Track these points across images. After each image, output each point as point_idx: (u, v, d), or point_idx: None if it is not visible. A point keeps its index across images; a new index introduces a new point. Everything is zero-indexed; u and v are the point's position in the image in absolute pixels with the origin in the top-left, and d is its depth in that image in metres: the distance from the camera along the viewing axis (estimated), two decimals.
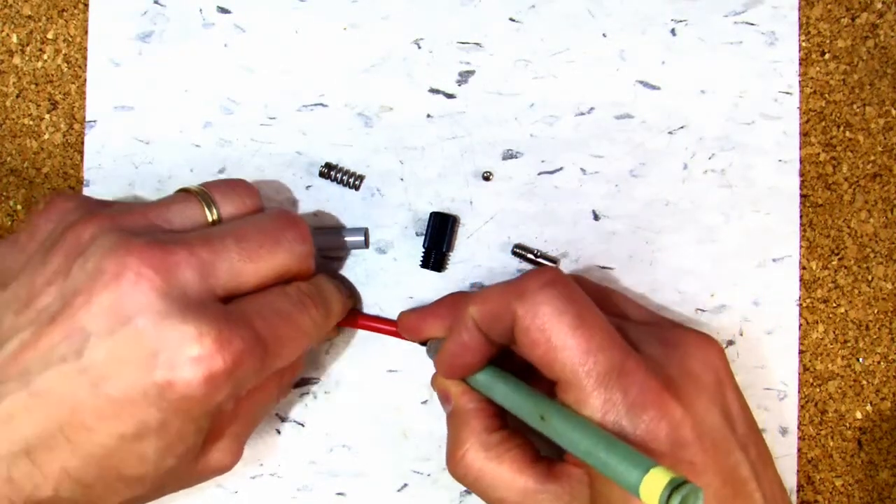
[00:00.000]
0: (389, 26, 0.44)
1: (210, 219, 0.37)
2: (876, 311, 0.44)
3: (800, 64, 0.44)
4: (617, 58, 0.44)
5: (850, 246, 0.44)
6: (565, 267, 0.44)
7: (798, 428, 0.44)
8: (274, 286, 0.37)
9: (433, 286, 0.44)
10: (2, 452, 0.32)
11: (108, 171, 0.44)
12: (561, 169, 0.44)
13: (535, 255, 0.43)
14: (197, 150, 0.44)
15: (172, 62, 0.44)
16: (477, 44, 0.44)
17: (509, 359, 0.39)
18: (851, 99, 0.44)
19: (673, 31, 0.44)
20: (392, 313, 0.44)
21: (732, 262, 0.44)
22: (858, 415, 0.44)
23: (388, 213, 0.44)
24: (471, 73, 0.44)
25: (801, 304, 0.44)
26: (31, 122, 0.45)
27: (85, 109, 0.44)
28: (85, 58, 0.45)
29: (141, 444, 0.33)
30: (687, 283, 0.44)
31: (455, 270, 0.44)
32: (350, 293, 0.43)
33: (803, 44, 0.44)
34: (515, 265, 0.44)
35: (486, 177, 0.44)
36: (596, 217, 0.44)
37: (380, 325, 0.43)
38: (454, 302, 0.41)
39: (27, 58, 0.45)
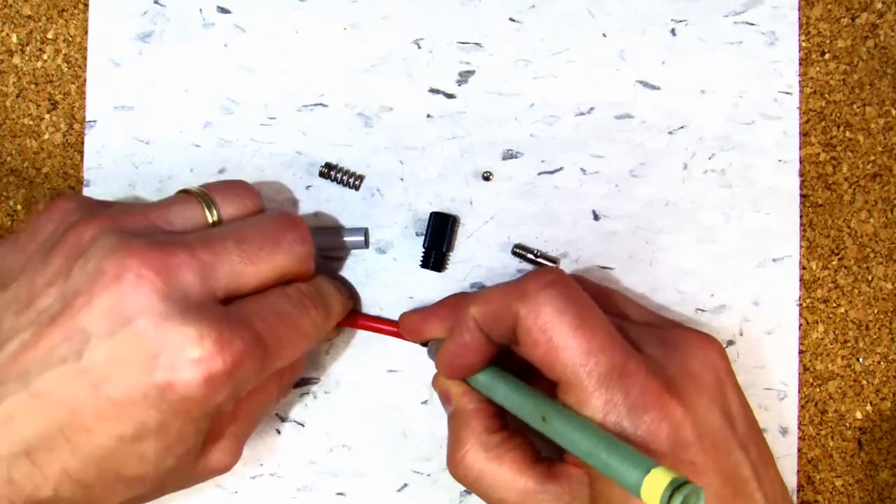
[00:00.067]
0: (389, 26, 0.44)
1: (210, 220, 0.37)
2: (876, 311, 0.44)
3: (800, 64, 0.44)
4: (617, 58, 0.44)
5: (850, 246, 0.44)
6: (565, 267, 0.44)
7: (798, 428, 0.44)
8: (274, 287, 0.37)
9: (433, 286, 0.44)
10: (2, 453, 0.32)
11: (108, 171, 0.44)
12: (561, 169, 0.44)
13: (535, 255, 0.43)
14: (197, 150, 0.44)
15: (172, 62, 0.44)
16: (477, 44, 0.44)
17: (510, 359, 0.39)
18: (851, 99, 0.44)
19: (673, 31, 0.44)
20: (392, 313, 0.44)
21: (732, 262, 0.44)
22: (858, 415, 0.44)
23: (388, 213, 0.44)
24: (471, 73, 0.44)
25: (801, 304, 0.44)
26: (31, 122, 0.45)
27: (85, 109, 0.44)
28: (85, 58, 0.44)
29: (141, 445, 0.33)
30: (687, 283, 0.44)
31: (455, 270, 0.44)
32: (350, 294, 0.43)
33: (803, 44, 0.44)
34: (515, 265, 0.44)
35: (486, 177, 0.44)
36: (596, 217, 0.44)
37: (380, 325, 0.43)
38: (455, 302, 0.41)
39: (27, 58, 0.45)
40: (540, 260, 0.43)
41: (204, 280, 0.34)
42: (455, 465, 0.38)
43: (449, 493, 0.44)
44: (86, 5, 0.45)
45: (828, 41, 0.44)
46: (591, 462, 0.32)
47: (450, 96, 0.44)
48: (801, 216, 0.44)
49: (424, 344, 0.42)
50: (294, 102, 0.44)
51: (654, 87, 0.44)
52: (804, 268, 0.44)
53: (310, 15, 0.44)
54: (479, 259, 0.44)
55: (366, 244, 0.43)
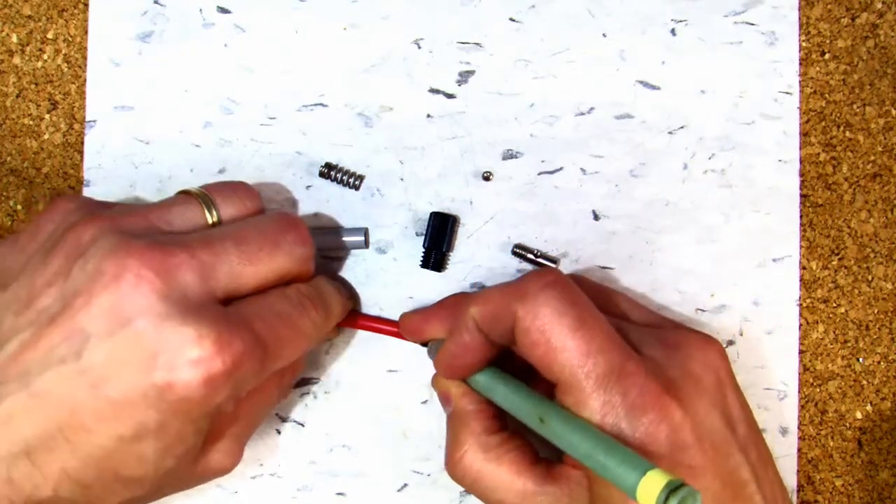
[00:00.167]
0: (389, 26, 0.44)
1: (210, 221, 0.37)
2: (876, 311, 0.44)
3: (800, 64, 0.44)
4: (617, 58, 0.44)
5: (850, 246, 0.44)
6: (565, 267, 0.44)
7: (798, 428, 0.44)
8: (274, 288, 0.37)
9: (433, 286, 0.44)
10: (2, 453, 0.32)
11: (108, 171, 0.44)
12: (561, 169, 0.44)
13: (535, 255, 0.43)
14: (197, 150, 0.44)
15: (172, 62, 0.44)
16: (477, 44, 0.44)
17: (510, 360, 0.39)
18: (851, 99, 0.44)
19: (673, 31, 0.44)
20: (392, 313, 0.44)
21: (732, 262, 0.44)
22: (858, 415, 0.44)
23: (388, 213, 0.44)
24: (471, 73, 0.44)
25: (801, 304, 0.44)
26: (31, 122, 0.45)
27: (85, 109, 0.44)
28: (85, 58, 0.45)
29: (140, 446, 0.33)
30: (687, 283, 0.44)
31: (455, 270, 0.44)
32: (350, 294, 0.43)
33: (803, 44, 0.44)
34: (515, 265, 0.44)
35: (486, 177, 0.44)
36: (596, 217, 0.44)
37: (380, 325, 0.43)
38: (455, 303, 0.41)
39: (27, 58, 0.45)
40: (540, 260, 0.43)
41: (203, 280, 0.34)
42: (454, 466, 0.38)
43: (449, 494, 0.44)
44: (86, 5, 0.45)
45: (828, 41, 0.44)
46: (588, 464, 0.32)
47: (450, 96, 0.44)
48: (801, 216, 0.44)
49: (424, 344, 0.42)
50: (294, 102, 0.44)
51: (654, 87, 0.44)
52: (804, 268, 0.44)
53: (310, 15, 0.44)
54: (479, 259, 0.44)
55: (366, 244, 0.44)
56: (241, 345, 0.33)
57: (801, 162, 0.44)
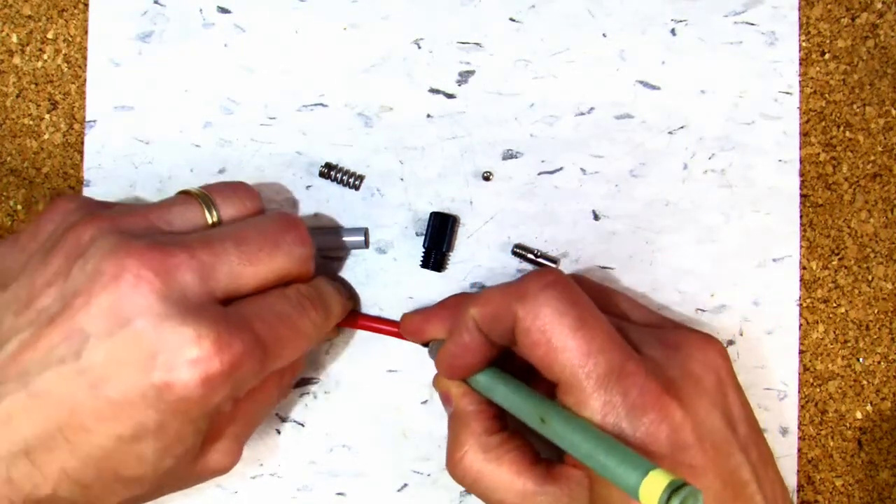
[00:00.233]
0: (389, 26, 0.44)
1: (210, 221, 0.37)
2: (876, 311, 0.44)
3: (800, 64, 0.44)
4: (617, 58, 0.44)
5: (850, 246, 0.44)
6: (565, 267, 0.44)
7: (798, 428, 0.44)
8: (273, 288, 0.37)
9: (433, 286, 0.44)
10: (1, 453, 0.32)
11: (108, 171, 0.44)
12: (561, 169, 0.44)
13: (535, 255, 0.43)
14: (197, 150, 0.44)
15: (172, 62, 0.44)
16: (477, 44, 0.44)
17: (510, 360, 0.39)
18: (851, 99, 0.44)
19: (673, 31, 0.44)
20: (392, 313, 0.44)
21: (732, 262, 0.44)
22: (858, 415, 0.44)
23: (388, 213, 0.44)
24: (471, 73, 0.44)
25: (801, 304, 0.44)
26: (31, 122, 0.45)
27: (85, 109, 0.44)
28: (85, 58, 0.45)
29: (139, 446, 0.33)
30: (687, 283, 0.44)
31: (455, 270, 0.44)
32: (349, 295, 0.43)
33: (803, 44, 0.44)
34: (515, 265, 0.44)
35: (486, 177, 0.44)
36: (596, 217, 0.44)
37: (380, 325, 0.43)
38: (455, 303, 0.41)
39: (27, 58, 0.45)
40: (540, 260, 0.43)
41: (203, 281, 0.34)
42: (454, 466, 0.38)
43: (449, 494, 0.44)
44: (86, 5, 0.45)
45: (828, 41, 0.44)
46: (590, 464, 0.32)
47: (450, 96, 0.44)
48: (801, 216, 0.44)
49: (425, 345, 0.42)
50: (294, 102, 0.44)
51: (654, 87, 0.44)
52: (804, 268, 0.44)
53: (310, 15, 0.44)
54: (479, 259, 0.44)
55: (366, 244, 0.43)
56: (241, 345, 0.33)
57: (801, 162, 0.44)
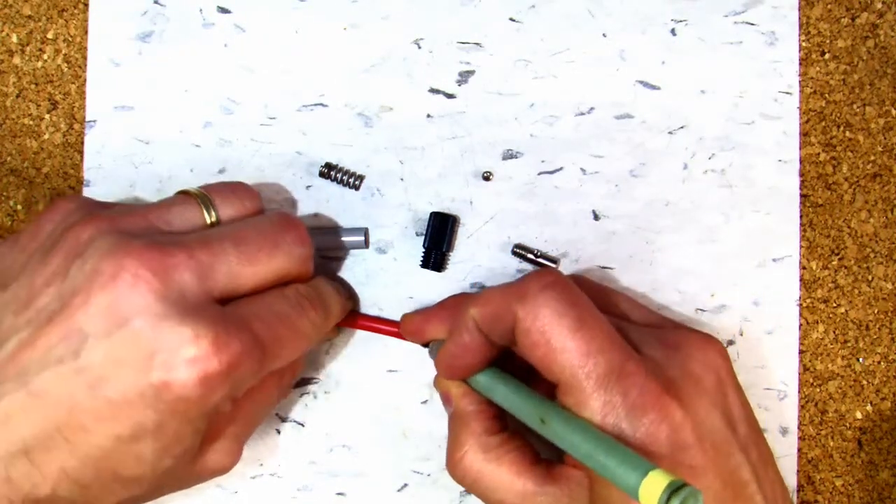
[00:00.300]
0: (389, 26, 0.44)
1: (209, 221, 0.37)
2: (876, 311, 0.44)
3: (800, 64, 0.44)
4: (617, 58, 0.44)
5: (850, 246, 0.44)
6: (565, 267, 0.44)
7: (798, 428, 0.44)
8: (272, 288, 0.37)
9: (433, 286, 0.44)
10: (0, 453, 0.32)
11: (108, 172, 0.44)
12: (561, 169, 0.44)
13: (535, 255, 0.43)
14: (197, 150, 0.44)
15: (172, 62, 0.44)
16: (477, 44, 0.44)
17: (510, 360, 0.39)
18: (851, 99, 0.44)
19: (673, 31, 0.44)
20: (392, 313, 0.44)
21: (732, 262, 0.44)
22: (858, 415, 0.44)
23: (388, 213, 0.44)
24: (471, 73, 0.44)
25: (801, 304, 0.44)
26: (31, 122, 0.45)
27: (85, 109, 0.44)
28: (85, 58, 0.45)
29: (138, 446, 0.33)
30: (687, 283, 0.44)
31: (455, 270, 0.44)
32: (349, 295, 0.43)
33: (803, 44, 0.44)
34: (515, 265, 0.44)
35: (486, 177, 0.44)
36: (596, 217, 0.44)
37: (380, 325, 0.43)
38: (455, 303, 0.41)
39: (27, 58, 0.45)
40: (540, 260, 0.43)
41: (202, 280, 0.34)
42: (454, 466, 0.38)
43: (449, 494, 0.44)
44: (86, 5, 0.45)
45: (828, 41, 0.44)
46: (590, 464, 0.32)
47: (450, 96, 0.44)
48: (801, 216, 0.44)
49: (425, 345, 0.42)
50: (294, 102, 0.44)
51: (654, 87, 0.44)
52: (804, 268, 0.44)
53: (310, 15, 0.44)
54: (479, 259, 0.44)
55: (366, 244, 0.43)
56: (239, 345, 0.33)
57: (801, 162, 0.44)
